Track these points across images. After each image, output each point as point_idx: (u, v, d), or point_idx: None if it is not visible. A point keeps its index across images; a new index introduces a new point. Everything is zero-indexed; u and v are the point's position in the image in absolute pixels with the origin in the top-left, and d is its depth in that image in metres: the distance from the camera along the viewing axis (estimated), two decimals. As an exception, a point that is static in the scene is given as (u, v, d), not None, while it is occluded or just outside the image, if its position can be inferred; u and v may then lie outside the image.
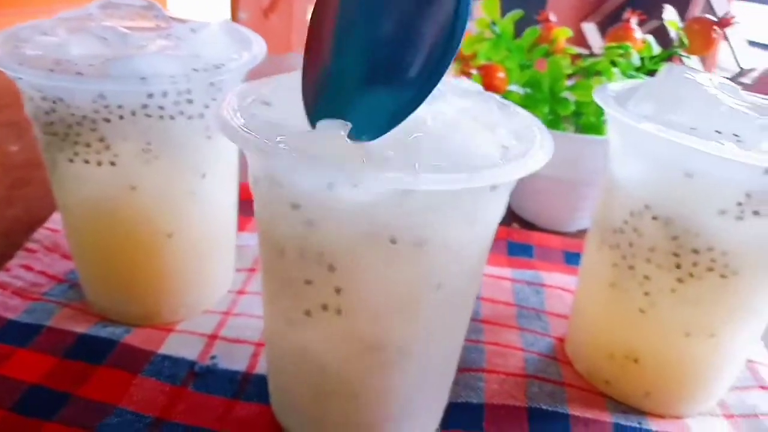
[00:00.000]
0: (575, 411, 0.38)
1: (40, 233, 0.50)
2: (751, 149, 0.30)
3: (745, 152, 0.29)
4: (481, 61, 0.55)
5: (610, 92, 0.36)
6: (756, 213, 0.31)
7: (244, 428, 0.35)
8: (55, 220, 0.51)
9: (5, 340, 0.39)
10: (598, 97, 0.35)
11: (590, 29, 0.74)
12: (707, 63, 0.89)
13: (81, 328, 0.41)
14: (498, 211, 0.30)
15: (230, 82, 0.36)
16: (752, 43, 0.87)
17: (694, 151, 0.30)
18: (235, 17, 1.41)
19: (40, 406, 0.35)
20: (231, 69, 0.36)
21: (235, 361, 0.40)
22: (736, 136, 0.31)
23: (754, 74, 0.65)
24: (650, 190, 0.33)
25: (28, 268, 0.46)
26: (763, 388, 0.41)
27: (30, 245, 0.48)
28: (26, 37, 0.37)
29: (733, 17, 0.49)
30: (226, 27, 0.40)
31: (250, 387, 0.38)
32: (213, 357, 0.40)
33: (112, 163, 0.36)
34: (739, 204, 0.31)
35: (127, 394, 0.36)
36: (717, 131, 0.32)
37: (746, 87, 0.75)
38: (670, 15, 0.54)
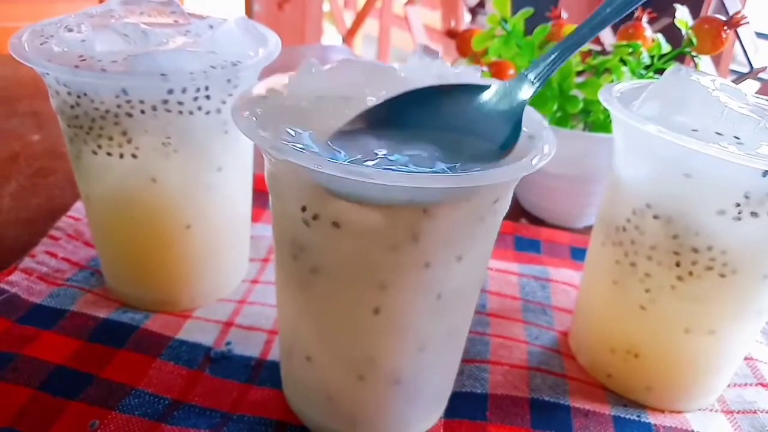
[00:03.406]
0: (576, 403, 0.39)
1: (63, 221, 0.51)
2: (750, 151, 0.31)
3: (743, 154, 0.30)
4: (492, 58, 0.56)
5: (615, 92, 0.37)
6: (754, 214, 0.31)
7: (257, 411, 0.37)
8: (78, 209, 0.53)
9: (31, 323, 0.41)
10: (602, 98, 0.36)
11: (603, 26, 0.74)
12: (722, 61, 0.88)
13: (103, 313, 0.43)
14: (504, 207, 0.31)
15: (246, 78, 0.38)
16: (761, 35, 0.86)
17: (693, 152, 0.30)
18: (249, 9, 1.42)
19: (65, 386, 0.37)
20: (247, 66, 0.37)
21: (249, 347, 0.41)
22: (737, 138, 0.32)
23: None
24: (652, 189, 0.34)
25: (52, 255, 0.48)
26: (762, 385, 0.42)
27: (53, 233, 0.50)
28: (52, 32, 0.38)
29: (743, 17, 0.49)
30: (243, 24, 0.41)
31: (264, 372, 0.40)
32: (228, 343, 0.42)
33: (134, 156, 0.38)
34: (738, 205, 0.31)
35: (147, 376, 0.38)
36: (718, 133, 0.32)
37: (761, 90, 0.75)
38: (681, 14, 0.55)
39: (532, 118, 0.31)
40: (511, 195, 0.30)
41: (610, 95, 0.36)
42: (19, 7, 1.62)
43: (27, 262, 0.46)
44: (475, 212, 0.27)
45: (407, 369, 0.32)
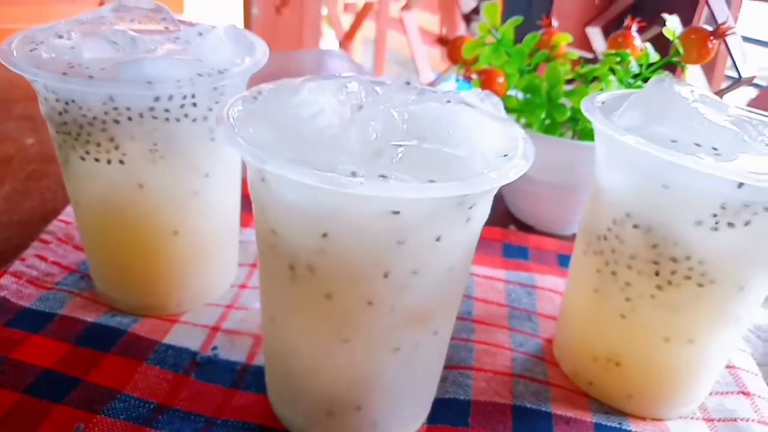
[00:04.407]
0: (558, 410, 0.39)
1: (54, 225, 0.52)
2: (727, 163, 0.31)
3: (719, 165, 0.31)
4: (482, 66, 0.56)
5: (597, 102, 0.38)
6: (731, 225, 0.32)
7: (242, 416, 0.37)
8: (69, 213, 0.53)
9: (20, 326, 0.41)
10: (584, 108, 0.36)
11: (595, 33, 0.75)
12: (716, 68, 0.89)
13: (91, 317, 0.43)
14: (484, 213, 0.31)
15: (233, 86, 0.38)
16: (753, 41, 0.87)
17: (670, 163, 0.31)
18: (247, 13, 1.43)
19: (51, 390, 0.37)
20: (233, 74, 0.37)
21: (235, 352, 0.42)
22: (715, 149, 0.32)
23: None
24: (631, 199, 0.35)
25: (42, 259, 0.48)
26: (744, 393, 0.42)
27: (44, 236, 0.50)
28: (42, 39, 0.38)
29: (730, 27, 0.49)
30: (231, 31, 0.41)
31: (249, 377, 0.40)
32: (214, 348, 0.42)
33: (121, 162, 0.38)
34: (715, 215, 0.32)
35: (133, 380, 0.38)
36: (697, 144, 0.33)
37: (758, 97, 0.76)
38: (670, 23, 0.55)
39: (510, 136, 0.31)
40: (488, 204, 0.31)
41: (592, 105, 0.37)
42: (17, 9, 1.63)
43: (17, 265, 0.47)
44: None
45: (387, 373, 0.32)
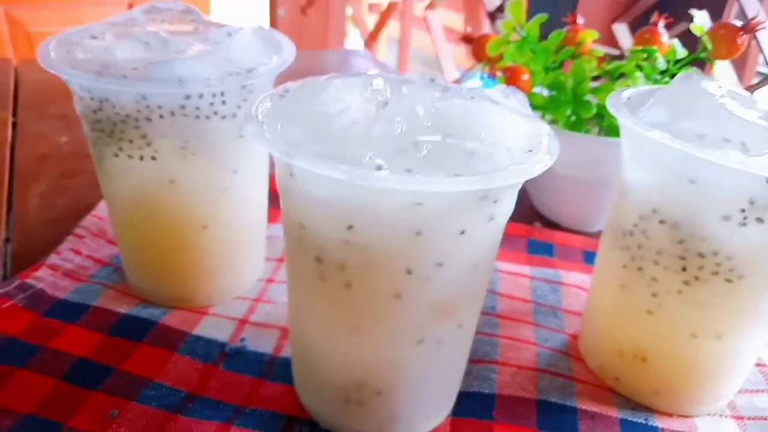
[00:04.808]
0: (583, 405, 0.39)
1: (88, 220, 0.53)
2: (756, 158, 0.31)
3: (747, 160, 0.30)
4: (507, 63, 0.57)
5: (623, 98, 0.38)
6: (759, 220, 0.32)
7: (269, 406, 0.38)
8: (102, 209, 0.55)
9: (57, 317, 0.43)
10: (610, 104, 0.36)
11: (621, 30, 0.74)
12: (747, 64, 0.87)
13: (124, 309, 0.44)
14: (508, 209, 0.31)
15: (261, 84, 0.39)
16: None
17: (697, 158, 0.31)
18: (273, 13, 1.45)
19: (87, 377, 0.38)
20: (261, 73, 0.38)
21: (263, 344, 0.43)
22: (744, 144, 0.32)
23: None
24: (657, 195, 0.35)
25: (77, 252, 0.50)
26: (773, 390, 0.41)
27: (78, 231, 0.52)
28: (77, 41, 0.40)
29: (760, 22, 0.49)
30: (259, 31, 0.42)
31: (276, 368, 0.41)
32: (243, 339, 0.43)
33: (153, 158, 0.39)
34: (743, 211, 0.31)
35: (164, 370, 0.40)
36: (725, 139, 0.32)
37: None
38: (699, 19, 0.54)
39: (535, 132, 0.32)
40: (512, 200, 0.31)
41: (617, 101, 0.37)
42: (49, 12, 1.68)
43: (53, 258, 0.48)
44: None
45: (411, 365, 0.33)
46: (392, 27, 1.85)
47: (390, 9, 1.57)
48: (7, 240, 0.53)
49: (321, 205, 0.29)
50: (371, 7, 2.33)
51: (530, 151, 0.30)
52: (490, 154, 0.28)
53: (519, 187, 0.31)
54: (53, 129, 0.74)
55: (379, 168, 0.26)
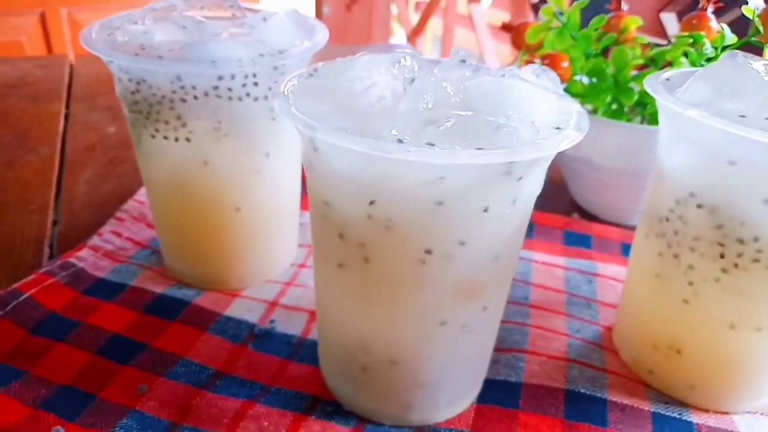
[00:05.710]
0: (614, 397, 0.38)
1: (129, 204, 0.55)
2: (801, 137, 0.29)
3: (791, 140, 0.29)
4: (546, 51, 0.55)
5: (661, 79, 0.36)
6: (804, 203, 0.30)
7: (295, 386, 0.38)
8: (142, 194, 0.57)
9: (95, 295, 0.44)
10: (647, 84, 0.35)
11: (669, 19, 0.71)
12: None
13: (159, 289, 0.46)
14: (534, 190, 0.31)
15: (293, 66, 0.39)
16: None
17: (737, 137, 0.29)
18: (319, 11, 1.46)
19: (120, 352, 0.40)
20: (293, 54, 0.39)
21: (291, 326, 0.43)
22: (788, 124, 0.30)
23: None
24: (695, 178, 0.33)
25: (118, 234, 0.51)
26: (822, 390, 0.39)
27: (120, 214, 0.54)
28: (119, 25, 0.41)
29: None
30: (293, 15, 0.43)
31: (303, 350, 0.41)
32: (272, 321, 0.43)
33: (188, 140, 0.40)
34: (786, 193, 0.30)
35: (194, 347, 0.40)
36: (768, 119, 0.31)
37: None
38: (753, 2, 0.52)
39: (565, 110, 0.31)
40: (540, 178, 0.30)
41: (655, 81, 0.36)
42: (109, 14, 1.74)
43: (95, 240, 0.50)
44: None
45: (433, 346, 0.33)
46: (436, 25, 1.85)
47: (434, 3, 1.56)
48: (54, 222, 0.55)
49: (344, 180, 0.29)
50: (418, 6, 2.33)
51: (558, 128, 0.29)
52: (516, 129, 0.28)
53: (546, 165, 0.30)
54: (102, 120, 0.77)
55: (400, 141, 0.26)
